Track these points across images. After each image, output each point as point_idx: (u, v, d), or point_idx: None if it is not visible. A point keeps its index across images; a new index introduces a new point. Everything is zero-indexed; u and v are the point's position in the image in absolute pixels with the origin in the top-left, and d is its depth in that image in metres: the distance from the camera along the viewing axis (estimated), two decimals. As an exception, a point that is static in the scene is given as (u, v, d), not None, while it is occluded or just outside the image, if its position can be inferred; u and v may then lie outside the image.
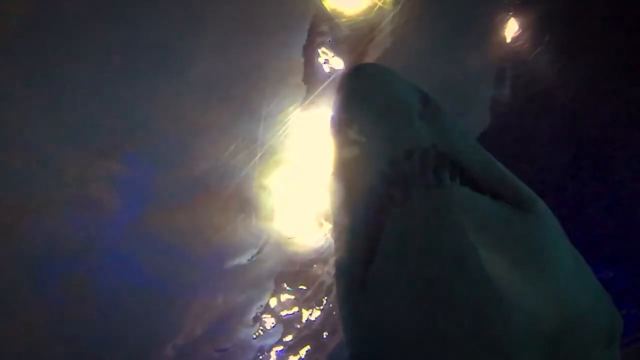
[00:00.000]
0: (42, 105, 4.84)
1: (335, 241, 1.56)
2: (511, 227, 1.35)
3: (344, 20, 5.09)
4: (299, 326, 7.80)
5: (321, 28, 5.22)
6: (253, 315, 7.51)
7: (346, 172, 1.47)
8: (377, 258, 1.39)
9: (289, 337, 7.90)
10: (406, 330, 1.34)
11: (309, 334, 7.91)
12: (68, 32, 4.44)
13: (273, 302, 7.39)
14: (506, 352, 1.28)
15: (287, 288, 7.38)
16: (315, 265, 7.15)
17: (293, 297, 7.46)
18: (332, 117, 1.49)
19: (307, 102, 5.60)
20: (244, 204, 6.32)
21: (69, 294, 6.13)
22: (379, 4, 4.96)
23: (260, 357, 8.02)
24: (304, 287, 7.42)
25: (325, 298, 7.53)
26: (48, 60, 4.64)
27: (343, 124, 1.45)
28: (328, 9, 5.01)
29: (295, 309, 7.56)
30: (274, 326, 7.62)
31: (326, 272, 7.13)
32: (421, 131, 1.39)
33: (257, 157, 5.87)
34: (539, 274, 1.33)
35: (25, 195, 5.28)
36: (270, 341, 7.91)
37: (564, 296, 1.36)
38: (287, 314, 7.60)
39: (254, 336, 7.76)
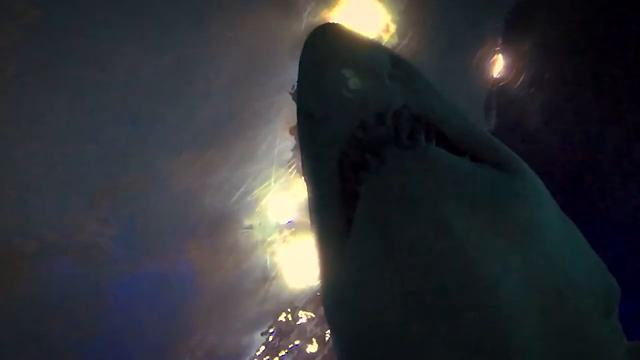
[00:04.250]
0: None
1: (310, 216, 1.47)
2: (494, 190, 1.26)
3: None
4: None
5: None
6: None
7: (315, 140, 1.39)
8: (354, 228, 1.30)
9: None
10: (388, 304, 1.23)
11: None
12: (64, 75, 4.56)
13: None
14: (496, 324, 1.16)
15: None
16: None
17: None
18: (297, 82, 1.42)
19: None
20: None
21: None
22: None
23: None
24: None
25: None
26: (45, 107, 4.73)
27: (308, 87, 1.38)
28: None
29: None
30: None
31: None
32: (392, 92, 1.33)
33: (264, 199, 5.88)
34: (526, 239, 1.23)
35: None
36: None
37: (554, 262, 1.25)
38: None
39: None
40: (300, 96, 1.42)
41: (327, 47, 1.33)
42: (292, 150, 5.67)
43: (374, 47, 1.38)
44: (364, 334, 1.30)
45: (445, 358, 1.18)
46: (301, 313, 7.01)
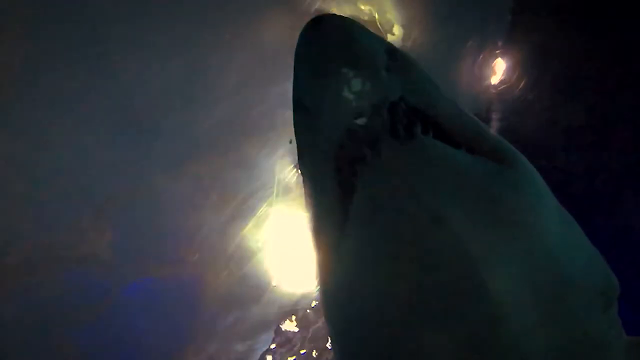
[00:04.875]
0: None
1: (307, 209, 1.46)
2: (491, 183, 1.25)
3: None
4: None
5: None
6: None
7: (311, 133, 1.38)
8: (350, 221, 1.29)
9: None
10: (385, 297, 1.23)
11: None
12: (64, 81, 4.56)
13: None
14: (494, 319, 1.15)
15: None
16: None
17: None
18: (293, 75, 1.40)
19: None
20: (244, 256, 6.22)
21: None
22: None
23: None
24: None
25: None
26: (50, 121, 4.73)
27: (303, 80, 1.36)
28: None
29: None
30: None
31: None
32: (389, 83, 1.31)
33: (259, 208, 5.86)
34: (523, 232, 1.22)
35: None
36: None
37: (552, 256, 1.23)
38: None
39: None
40: (296, 89, 1.40)
41: (323, 39, 1.31)
42: (292, 155, 5.67)
43: (370, 38, 1.36)
44: (362, 329, 1.29)
45: (444, 352, 1.16)
46: (302, 318, 6.97)
